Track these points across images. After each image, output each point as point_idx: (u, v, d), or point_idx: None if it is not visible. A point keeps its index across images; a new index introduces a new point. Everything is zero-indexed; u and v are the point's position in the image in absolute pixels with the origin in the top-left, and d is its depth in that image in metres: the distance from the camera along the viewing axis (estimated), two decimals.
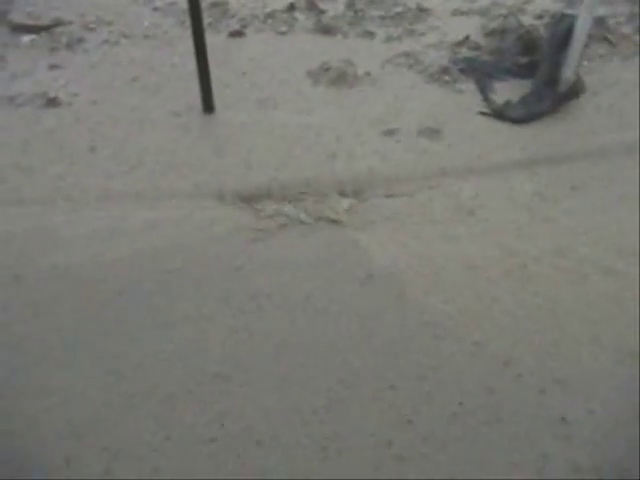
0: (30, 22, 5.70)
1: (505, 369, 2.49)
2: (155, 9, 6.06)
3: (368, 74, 4.80)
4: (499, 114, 4.27)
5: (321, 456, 2.18)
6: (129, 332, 2.68)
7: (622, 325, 2.67)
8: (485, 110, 4.34)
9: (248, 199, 3.49)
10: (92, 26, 5.69)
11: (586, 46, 4.53)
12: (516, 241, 3.16)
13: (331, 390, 2.41)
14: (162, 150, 3.96)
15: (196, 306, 2.80)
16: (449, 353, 2.55)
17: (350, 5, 5.96)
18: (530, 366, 2.49)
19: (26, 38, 5.50)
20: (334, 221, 3.32)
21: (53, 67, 5.00)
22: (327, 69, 4.82)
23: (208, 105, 4.30)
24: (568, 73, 4.34)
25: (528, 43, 5.03)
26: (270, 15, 5.81)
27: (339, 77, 4.73)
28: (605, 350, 2.56)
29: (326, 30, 5.52)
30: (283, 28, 5.61)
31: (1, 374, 2.50)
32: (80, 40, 5.43)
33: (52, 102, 4.49)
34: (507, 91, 4.54)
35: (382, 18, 5.74)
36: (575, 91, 4.42)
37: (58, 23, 5.70)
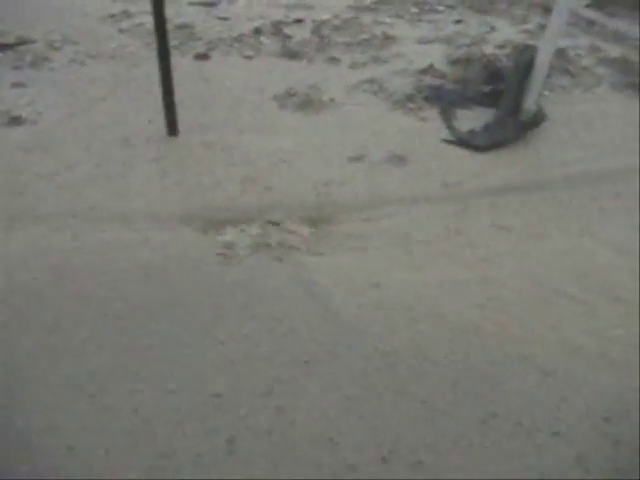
0: None
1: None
2: (121, 30, 6.05)
3: (333, 100, 4.83)
4: (462, 142, 4.33)
5: None
6: (94, 354, 2.64)
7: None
8: (449, 138, 4.40)
9: (212, 223, 3.48)
10: (58, 45, 5.66)
11: (548, 77, 4.62)
12: (473, 267, 3.19)
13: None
14: (125, 172, 3.92)
15: (153, 330, 2.77)
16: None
17: (316, 31, 6.01)
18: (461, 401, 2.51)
19: None
20: (297, 246, 3.31)
21: (17, 85, 4.95)
22: (293, 94, 4.85)
23: (172, 128, 4.29)
24: (529, 103, 4.42)
25: (491, 72, 5.13)
26: (236, 39, 5.84)
27: (305, 102, 4.76)
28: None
29: (292, 55, 5.56)
30: (249, 52, 5.63)
31: None
32: (45, 59, 5.39)
33: (15, 120, 4.44)
34: (470, 119, 4.61)
35: (348, 44, 5.80)
36: (536, 120, 4.51)
37: (23, 41, 5.66)
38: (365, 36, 5.98)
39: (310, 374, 2.57)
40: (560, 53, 5.56)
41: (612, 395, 2.51)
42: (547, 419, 2.39)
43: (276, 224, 3.47)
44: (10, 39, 5.68)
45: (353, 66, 5.42)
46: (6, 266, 3.10)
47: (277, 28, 6.07)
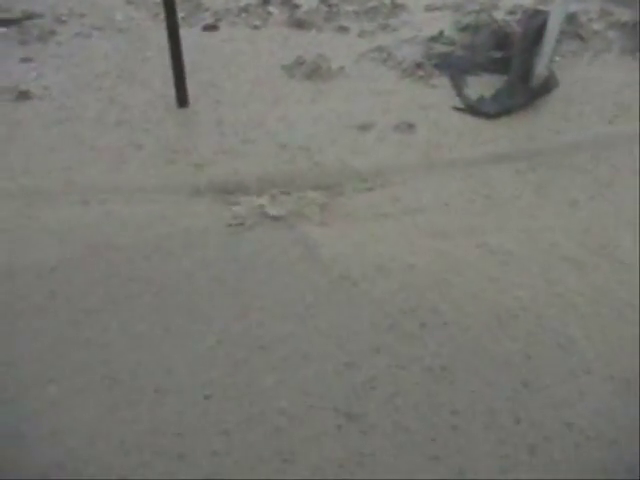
0: (1, 15, 5.63)
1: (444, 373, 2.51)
2: (128, 2, 6.02)
3: (342, 68, 4.81)
4: (473, 109, 4.30)
5: None
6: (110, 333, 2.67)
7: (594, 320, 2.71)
8: (459, 105, 4.37)
9: (223, 193, 3.49)
10: (64, 19, 5.64)
11: (558, 42, 4.57)
12: (485, 234, 3.19)
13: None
14: (135, 144, 3.93)
15: (162, 305, 2.79)
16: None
17: (324, 0, 5.97)
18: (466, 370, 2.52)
19: None
20: (308, 216, 3.32)
21: (25, 60, 4.94)
22: (301, 63, 4.82)
23: (182, 99, 4.28)
24: (541, 68, 4.38)
25: (501, 39, 5.08)
26: (244, 9, 5.80)
27: (313, 71, 4.73)
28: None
29: (300, 24, 5.53)
30: (257, 22, 5.60)
31: None
32: (52, 33, 5.38)
33: (24, 95, 4.45)
34: (481, 86, 4.57)
35: (356, 13, 5.76)
36: (547, 86, 4.47)
37: (29, 16, 5.64)
38: (373, 4, 5.92)
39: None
40: (571, 17, 5.50)
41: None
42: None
43: (286, 194, 3.47)
44: (17, 14, 5.66)
45: (362, 34, 5.39)
46: (14, 247, 3.13)
47: None
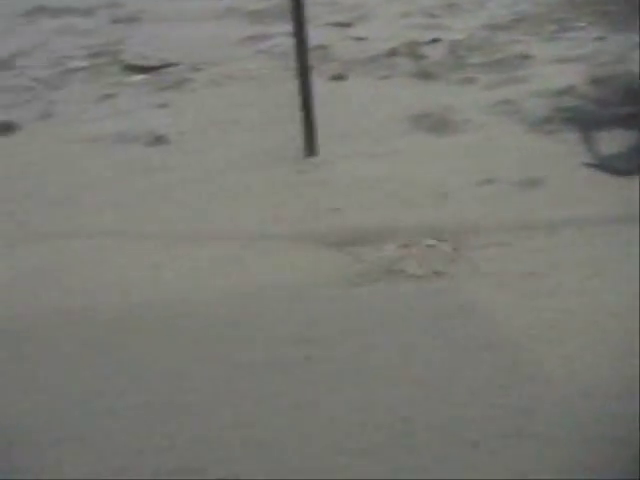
0: (140, 62, 5.96)
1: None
2: (259, 51, 6.24)
3: (468, 121, 4.79)
4: (604, 166, 4.18)
5: None
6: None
7: None
8: (590, 161, 4.26)
9: (349, 244, 3.51)
10: (199, 67, 5.90)
11: None
12: (597, 297, 3.05)
13: None
14: (260, 191, 4.03)
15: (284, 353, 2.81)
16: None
17: (451, 51, 6.00)
18: None
19: (136, 78, 5.75)
20: (435, 271, 3.28)
21: (161, 106, 5.20)
22: (427, 115, 4.85)
23: (310, 148, 4.36)
24: None
25: (636, 92, 4.95)
26: (372, 59, 5.90)
27: (439, 124, 4.75)
28: None
29: (427, 75, 5.58)
30: (384, 73, 5.68)
31: None
32: (187, 80, 5.63)
33: (160, 140, 4.67)
34: (612, 142, 4.44)
35: (483, 64, 5.75)
36: None
37: (167, 64, 5.94)
38: (501, 55, 5.91)
39: None
40: None
41: None
42: None
43: (408, 246, 3.46)
44: (155, 62, 5.98)
45: (488, 86, 5.37)
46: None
47: (412, 49, 6.09)
